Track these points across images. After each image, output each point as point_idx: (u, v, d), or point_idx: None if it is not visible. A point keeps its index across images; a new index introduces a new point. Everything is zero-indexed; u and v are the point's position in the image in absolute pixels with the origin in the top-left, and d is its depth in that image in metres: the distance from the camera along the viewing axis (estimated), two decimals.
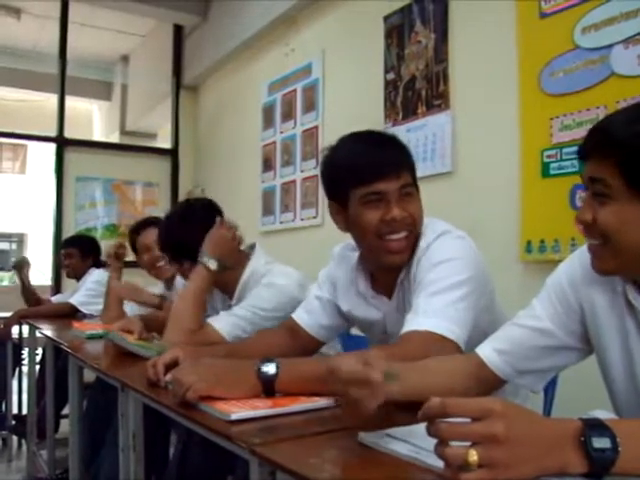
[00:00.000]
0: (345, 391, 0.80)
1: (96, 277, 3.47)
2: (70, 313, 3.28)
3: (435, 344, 1.13)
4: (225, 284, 1.82)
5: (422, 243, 1.29)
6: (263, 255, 1.86)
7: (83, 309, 3.30)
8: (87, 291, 3.38)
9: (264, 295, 1.68)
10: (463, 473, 0.61)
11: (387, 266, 1.34)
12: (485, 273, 1.32)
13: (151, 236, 2.50)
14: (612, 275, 0.96)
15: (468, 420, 0.63)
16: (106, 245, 2.76)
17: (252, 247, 1.90)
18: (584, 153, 0.91)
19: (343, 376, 0.81)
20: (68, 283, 4.05)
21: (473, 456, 0.61)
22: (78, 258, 3.56)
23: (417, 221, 1.30)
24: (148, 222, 2.64)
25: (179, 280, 2.51)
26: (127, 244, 2.71)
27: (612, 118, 0.91)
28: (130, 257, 2.77)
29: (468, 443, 0.62)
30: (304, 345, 1.49)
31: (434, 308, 1.18)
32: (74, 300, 3.33)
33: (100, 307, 3.30)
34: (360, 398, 0.79)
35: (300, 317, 1.52)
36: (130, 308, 2.69)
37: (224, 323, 1.65)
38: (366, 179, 1.26)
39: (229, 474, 1.69)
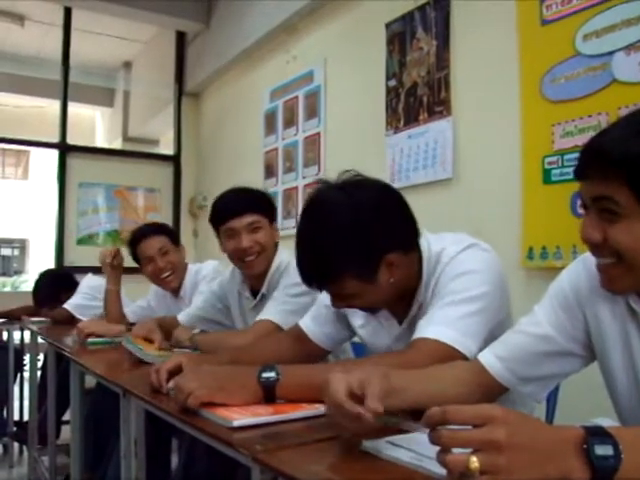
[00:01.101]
0: (333, 415, 0.80)
1: (92, 282, 3.42)
2: (69, 318, 3.24)
3: (443, 354, 1.12)
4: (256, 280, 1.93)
5: (444, 258, 1.26)
6: (285, 249, 1.96)
7: (77, 313, 3.17)
8: (83, 295, 3.34)
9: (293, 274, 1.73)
10: None
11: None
12: (505, 288, 1.29)
13: (153, 246, 2.44)
14: (623, 293, 0.94)
15: (470, 428, 0.63)
16: (102, 252, 2.61)
17: (276, 244, 1.98)
18: (583, 173, 0.88)
19: (331, 403, 0.80)
20: None
21: (474, 463, 0.61)
22: (50, 299, 3.46)
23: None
24: (147, 231, 2.51)
25: (187, 288, 2.52)
26: (122, 250, 2.60)
27: (609, 135, 0.87)
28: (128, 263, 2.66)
29: (470, 450, 0.62)
30: (309, 352, 1.48)
31: (448, 318, 1.17)
32: (68, 305, 3.27)
33: (96, 312, 3.29)
34: (346, 427, 0.79)
35: (306, 325, 1.51)
36: (131, 311, 2.68)
37: (277, 315, 1.74)
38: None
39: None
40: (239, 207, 1.82)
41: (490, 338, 1.19)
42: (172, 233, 2.57)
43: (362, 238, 1.15)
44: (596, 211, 0.87)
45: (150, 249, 2.43)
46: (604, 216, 0.86)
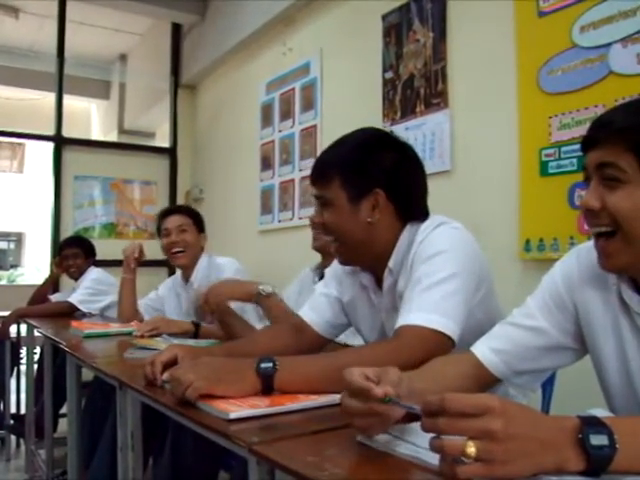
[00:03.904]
0: (345, 401, 0.80)
1: (95, 275, 3.50)
2: (69, 312, 3.29)
3: (429, 339, 1.14)
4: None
5: (418, 237, 1.30)
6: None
7: (83, 307, 3.31)
8: (86, 289, 3.40)
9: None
10: (459, 466, 0.61)
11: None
12: (482, 265, 1.31)
13: (174, 221, 2.58)
14: (622, 271, 0.94)
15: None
16: (127, 248, 2.72)
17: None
18: (592, 140, 0.90)
19: (347, 385, 0.80)
20: (66, 282, 4.06)
21: (471, 447, 0.61)
22: (82, 258, 3.59)
23: (333, 232, 1.34)
24: (174, 208, 2.75)
25: (198, 276, 2.56)
26: (144, 248, 2.72)
27: (614, 110, 0.91)
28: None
29: (464, 438, 0.62)
30: (310, 342, 1.49)
31: (428, 302, 1.18)
32: (73, 299, 3.35)
33: (99, 305, 3.33)
34: (355, 414, 0.79)
35: (307, 315, 1.51)
36: (145, 307, 2.70)
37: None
38: None
39: (222, 464, 1.70)
40: None
41: (471, 316, 1.22)
42: (198, 218, 2.70)
43: (366, 158, 1.31)
44: (598, 180, 0.89)
45: (170, 223, 2.59)
46: (605, 184, 0.88)
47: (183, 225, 2.58)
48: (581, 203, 0.91)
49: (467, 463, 0.61)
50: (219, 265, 2.55)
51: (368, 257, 1.36)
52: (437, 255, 1.23)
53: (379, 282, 1.40)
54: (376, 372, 0.81)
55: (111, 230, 4.91)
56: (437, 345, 1.12)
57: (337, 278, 1.52)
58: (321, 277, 1.98)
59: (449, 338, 1.15)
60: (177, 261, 2.59)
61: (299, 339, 1.49)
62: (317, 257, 2.35)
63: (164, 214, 2.65)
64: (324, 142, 3.46)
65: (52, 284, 3.98)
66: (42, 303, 3.65)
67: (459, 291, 1.20)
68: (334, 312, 1.51)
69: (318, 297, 1.53)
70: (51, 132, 4.73)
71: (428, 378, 0.98)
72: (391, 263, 1.33)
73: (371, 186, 1.30)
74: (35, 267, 12.63)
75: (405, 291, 1.25)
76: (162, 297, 2.74)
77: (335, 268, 1.54)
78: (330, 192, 1.32)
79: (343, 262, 1.42)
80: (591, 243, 1.06)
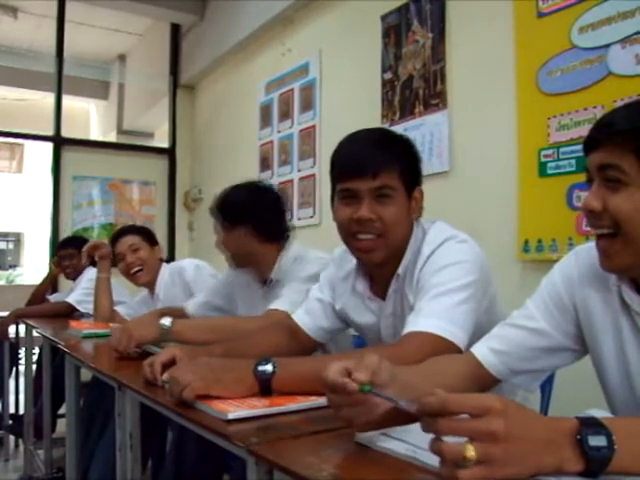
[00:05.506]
0: (327, 396, 0.81)
1: (92, 275, 3.48)
2: (67, 312, 3.28)
3: (434, 345, 1.13)
4: (259, 267, 1.90)
5: (425, 250, 1.29)
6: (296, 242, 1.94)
7: (80, 308, 3.30)
8: (83, 290, 3.39)
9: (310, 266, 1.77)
10: (460, 470, 0.61)
11: (362, 262, 1.38)
12: (488, 275, 1.32)
13: (125, 243, 2.57)
14: (622, 272, 0.94)
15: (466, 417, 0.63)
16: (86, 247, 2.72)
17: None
18: (594, 141, 0.90)
19: (325, 382, 0.80)
20: (65, 282, 4.05)
21: (471, 451, 0.60)
22: (79, 258, 3.59)
23: (389, 226, 1.28)
24: (121, 231, 2.68)
25: (162, 287, 2.55)
26: (104, 242, 2.71)
27: (616, 111, 0.91)
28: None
29: (463, 440, 0.62)
30: (302, 345, 1.49)
31: (436, 310, 1.18)
32: (71, 299, 3.34)
33: None
34: (339, 406, 0.79)
35: (300, 318, 1.52)
36: (121, 307, 2.70)
37: (292, 306, 1.65)
38: (342, 176, 1.30)
39: (225, 467, 1.69)
40: None
41: (477, 324, 1.22)
42: (147, 233, 2.69)
43: (414, 153, 1.35)
44: (600, 181, 0.89)
45: (121, 246, 2.58)
46: (607, 185, 0.88)
47: (134, 244, 2.58)
48: (583, 204, 0.91)
49: (468, 466, 0.61)
50: (180, 268, 2.57)
51: (393, 255, 1.34)
52: (448, 267, 1.24)
53: (372, 288, 1.40)
54: (356, 364, 0.81)
55: (110, 230, 4.89)
56: (442, 352, 1.10)
57: (331, 284, 1.52)
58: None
59: (455, 346, 1.15)
60: (139, 280, 2.60)
61: (292, 341, 1.49)
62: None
63: (114, 240, 2.63)
64: (323, 143, 3.46)
65: (50, 284, 3.97)
66: (40, 303, 3.65)
67: (468, 300, 1.21)
68: (327, 317, 1.51)
69: (313, 301, 1.53)
70: (50, 132, 4.74)
71: (427, 375, 0.98)
72: (400, 269, 1.33)
73: (417, 182, 1.33)
74: (34, 267, 12.62)
75: (414, 304, 1.26)
76: (140, 305, 2.75)
77: (329, 274, 1.54)
78: (394, 182, 1.28)
79: (378, 261, 1.33)
80: (590, 244, 1.06)
